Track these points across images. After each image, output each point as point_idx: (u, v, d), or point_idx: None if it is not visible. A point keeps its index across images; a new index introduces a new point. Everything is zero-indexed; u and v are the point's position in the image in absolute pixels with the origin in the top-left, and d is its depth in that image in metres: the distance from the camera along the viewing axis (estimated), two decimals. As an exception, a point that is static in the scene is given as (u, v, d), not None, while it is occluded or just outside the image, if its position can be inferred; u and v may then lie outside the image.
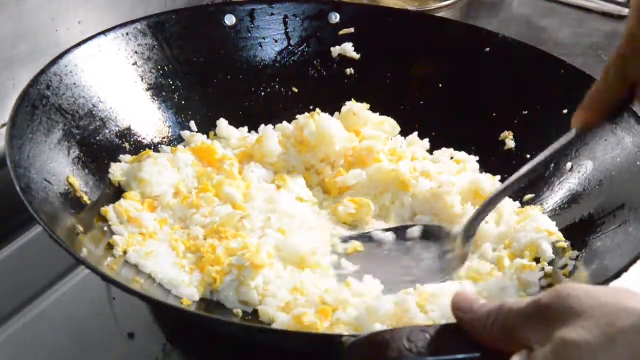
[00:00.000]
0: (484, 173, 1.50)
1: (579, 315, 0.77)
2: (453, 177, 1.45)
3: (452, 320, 0.90)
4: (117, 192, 1.37)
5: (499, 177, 1.47)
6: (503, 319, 0.83)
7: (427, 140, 1.56)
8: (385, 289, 1.24)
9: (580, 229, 1.31)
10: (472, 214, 1.33)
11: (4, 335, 1.29)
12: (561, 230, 1.34)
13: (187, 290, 1.22)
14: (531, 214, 1.38)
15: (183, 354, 1.27)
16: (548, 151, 1.25)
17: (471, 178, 1.46)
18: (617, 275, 1.08)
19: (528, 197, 1.45)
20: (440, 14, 2.00)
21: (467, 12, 2.12)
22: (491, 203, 1.31)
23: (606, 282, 1.08)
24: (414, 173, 1.45)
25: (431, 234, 1.37)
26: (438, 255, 1.33)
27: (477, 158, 1.53)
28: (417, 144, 1.56)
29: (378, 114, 1.57)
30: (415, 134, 1.57)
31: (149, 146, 1.47)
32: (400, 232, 1.39)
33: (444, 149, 1.56)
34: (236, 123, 1.57)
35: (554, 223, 1.36)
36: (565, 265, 1.26)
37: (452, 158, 1.54)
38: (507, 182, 1.29)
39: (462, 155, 1.54)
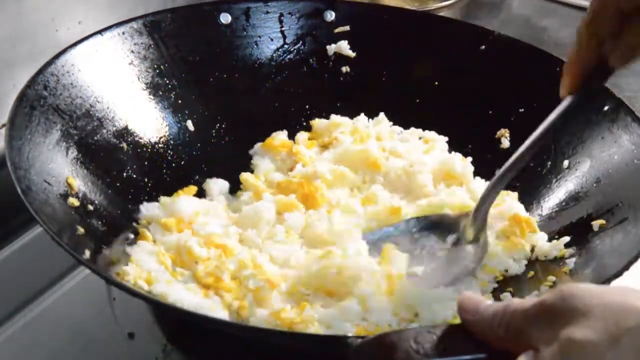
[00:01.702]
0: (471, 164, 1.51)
1: (584, 315, 0.78)
2: (424, 156, 1.48)
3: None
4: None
5: (470, 159, 1.50)
6: (508, 319, 0.84)
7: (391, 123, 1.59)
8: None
9: (579, 228, 1.32)
10: (478, 200, 1.32)
11: (4, 335, 1.29)
12: (560, 229, 1.35)
13: (218, 314, 1.20)
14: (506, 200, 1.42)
15: (183, 354, 1.27)
16: (546, 122, 1.27)
17: (441, 158, 1.48)
18: (618, 274, 1.08)
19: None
20: (439, 14, 2.00)
21: (466, 12, 2.12)
22: (497, 184, 1.31)
23: (607, 281, 1.08)
24: (383, 153, 1.48)
25: (437, 225, 1.37)
26: (450, 248, 1.34)
27: (447, 138, 1.55)
28: (383, 123, 1.58)
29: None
30: (382, 114, 1.59)
31: (146, 146, 1.47)
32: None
33: (412, 129, 1.58)
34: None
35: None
36: (566, 264, 1.27)
37: (420, 138, 1.56)
38: (512, 159, 1.30)
39: (431, 134, 1.56)
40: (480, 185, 1.46)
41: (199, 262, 1.27)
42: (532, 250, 1.35)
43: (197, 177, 1.50)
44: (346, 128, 1.56)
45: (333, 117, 1.59)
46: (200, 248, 1.29)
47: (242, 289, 1.23)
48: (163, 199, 1.40)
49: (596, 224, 1.29)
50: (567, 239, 1.31)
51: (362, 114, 1.60)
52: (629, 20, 1.15)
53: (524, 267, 1.33)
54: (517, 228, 1.36)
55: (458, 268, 1.30)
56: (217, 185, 1.49)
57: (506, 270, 1.32)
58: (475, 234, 1.31)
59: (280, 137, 1.56)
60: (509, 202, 1.42)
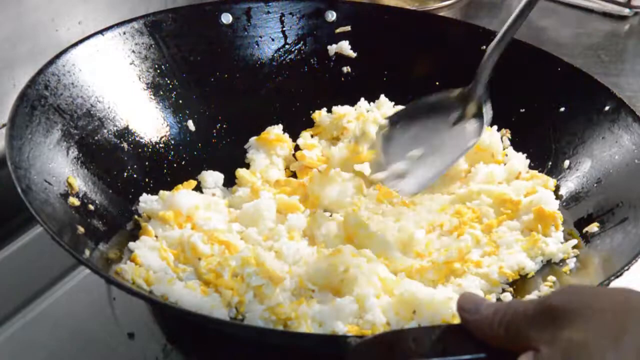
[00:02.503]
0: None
1: (584, 316, 0.78)
2: None
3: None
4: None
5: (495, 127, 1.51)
6: (509, 319, 0.84)
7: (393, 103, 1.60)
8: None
9: (579, 228, 1.32)
10: (477, 71, 1.38)
11: (4, 335, 1.29)
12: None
13: (217, 312, 1.20)
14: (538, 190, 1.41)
15: (183, 354, 1.27)
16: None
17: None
18: (618, 274, 1.08)
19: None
20: (440, 14, 1.99)
21: (466, 12, 2.12)
22: (495, 48, 1.35)
23: (607, 281, 1.08)
24: None
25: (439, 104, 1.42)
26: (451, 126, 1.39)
27: None
28: (386, 105, 1.59)
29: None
30: (382, 96, 1.60)
31: (147, 145, 1.47)
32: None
33: None
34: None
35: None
36: (566, 264, 1.27)
37: None
38: (509, 21, 1.34)
39: None
40: (516, 157, 1.48)
41: (202, 258, 1.28)
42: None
43: (197, 176, 1.50)
44: (351, 116, 1.57)
45: (335, 108, 1.59)
46: (204, 245, 1.29)
47: (243, 286, 1.23)
48: (162, 192, 1.40)
49: (591, 227, 1.29)
50: (574, 241, 1.31)
51: (362, 99, 1.61)
52: None
53: (539, 265, 1.31)
54: (540, 223, 1.35)
55: (459, 145, 1.32)
56: (212, 177, 1.50)
57: (522, 268, 1.31)
58: (478, 106, 1.34)
59: (275, 131, 1.56)
60: (540, 193, 1.40)
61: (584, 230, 1.32)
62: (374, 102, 1.61)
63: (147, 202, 1.39)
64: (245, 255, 1.25)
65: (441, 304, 1.17)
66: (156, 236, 1.34)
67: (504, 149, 1.52)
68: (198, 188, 1.48)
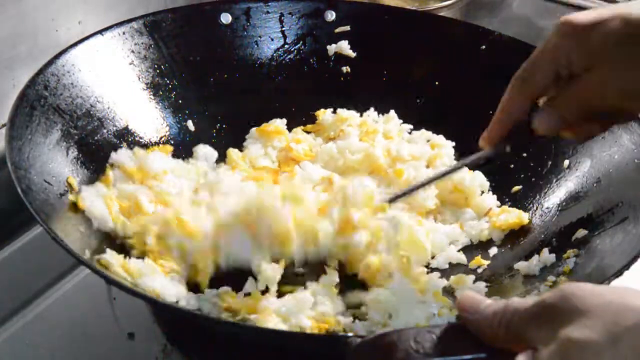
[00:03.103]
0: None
1: (583, 314, 0.77)
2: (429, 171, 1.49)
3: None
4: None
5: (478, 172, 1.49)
6: (508, 319, 0.83)
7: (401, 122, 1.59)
8: None
9: (579, 227, 1.32)
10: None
11: (4, 335, 1.29)
12: (561, 229, 1.35)
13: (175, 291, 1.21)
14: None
15: (183, 354, 1.27)
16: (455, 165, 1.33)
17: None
18: (618, 273, 1.08)
19: (516, 188, 1.48)
20: (440, 14, 1.99)
21: (466, 12, 2.12)
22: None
23: (607, 280, 1.08)
24: (386, 157, 1.48)
25: None
26: None
27: (453, 143, 1.54)
28: (393, 121, 1.58)
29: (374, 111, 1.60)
30: (392, 112, 1.59)
31: (146, 145, 1.47)
32: None
33: (422, 130, 1.58)
34: (236, 123, 1.58)
35: None
36: (566, 264, 1.27)
37: (428, 141, 1.56)
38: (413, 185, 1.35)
39: (439, 139, 1.55)
40: (490, 202, 1.46)
41: (143, 214, 1.28)
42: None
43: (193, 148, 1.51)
44: (354, 121, 1.57)
45: (340, 111, 1.59)
46: (149, 203, 1.30)
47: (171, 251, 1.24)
48: (137, 149, 1.40)
49: (580, 233, 1.30)
50: (574, 251, 1.30)
51: (372, 109, 1.60)
52: (563, 86, 1.12)
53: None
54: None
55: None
56: (204, 151, 1.49)
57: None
58: None
59: (276, 123, 1.56)
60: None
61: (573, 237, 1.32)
62: (381, 113, 1.61)
63: (120, 155, 1.38)
64: (166, 216, 1.25)
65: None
66: (114, 186, 1.34)
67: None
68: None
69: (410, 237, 1.31)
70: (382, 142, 1.52)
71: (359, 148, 1.49)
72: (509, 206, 1.44)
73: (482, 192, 1.49)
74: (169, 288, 1.19)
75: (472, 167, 1.35)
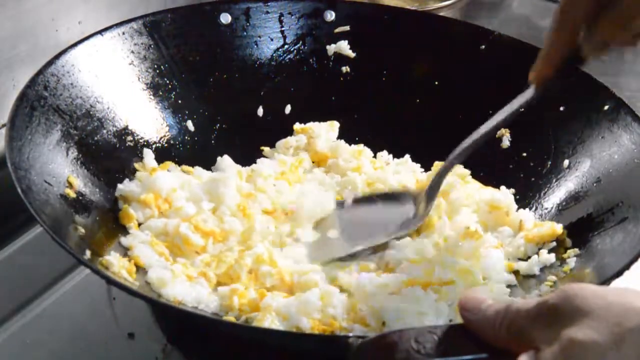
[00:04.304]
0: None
1: (586, 315, 0.78)
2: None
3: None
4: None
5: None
6: (510, 319, 0.84)
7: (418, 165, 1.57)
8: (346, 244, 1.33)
9: (579, 227, 1.32)
10: (432, 179, 1.36)
11: (4, 335, 1.29)
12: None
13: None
14: None
15: (183, 354, 1.27)
16: (507, 108, 1.31)
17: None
18: (618, 273, 1.08)
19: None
20: (440, 14, 1.99)
21: (466, 12, 2.12)
22: (452, 163, 1.35)
23: (607, 280, 1.08)
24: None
25: (396, 198, 1.42)
26: (400, 215, 1.38)
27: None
28: (407, 166, 1.56)
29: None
30: (407, 155, 1.58)
31: (146, 145, 1.47)
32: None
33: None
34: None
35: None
36: (566, 264, 1.27)
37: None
38: (469, 140, 1.34)
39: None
40: (525, 216, 1.42)
41: (198, 252, 1.30)
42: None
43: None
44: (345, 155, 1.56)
45: (339, 143, 1.57)
46: (193, 234, 1.30)
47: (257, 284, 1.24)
48: (139, 174, 1.41)
49: (580, 233, 1.31)
50: (575, 251, 1.30)
51: (385, 151, 1.59)
52: (604, 10, 1.14)
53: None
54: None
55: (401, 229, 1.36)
56: (227, 163, 1.51)
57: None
58: (424, 208, 1.36)
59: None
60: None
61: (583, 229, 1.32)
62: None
63: (126, 185, 1.38)
64: (259, 253, 1.26)
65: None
66: (138, 223, 1.34)
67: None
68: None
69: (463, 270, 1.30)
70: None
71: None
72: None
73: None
74: (190, 293, 1.21)
75: (528, 104, 1.33)
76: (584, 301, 0.79)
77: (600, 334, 0.76)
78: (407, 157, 1.57)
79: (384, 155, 1.59)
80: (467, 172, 1.50)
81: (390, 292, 1.22)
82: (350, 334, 1.12)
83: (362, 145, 1.58)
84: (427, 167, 1.53)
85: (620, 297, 0.78)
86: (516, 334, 0.83)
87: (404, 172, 1.52)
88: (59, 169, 1.27)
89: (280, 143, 1.57)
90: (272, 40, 1.66)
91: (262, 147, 1.58)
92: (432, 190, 1.36)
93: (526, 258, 1.35)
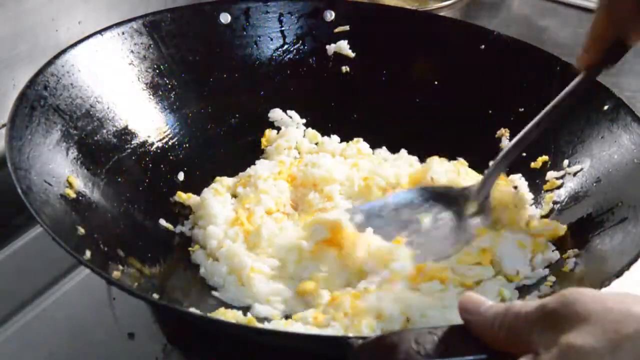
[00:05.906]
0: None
1: (585, 321, 0.78)
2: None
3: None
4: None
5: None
6: (509, 321, 0.84)
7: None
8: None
9: (579, 227, 1.32)
10: (483, 177, 1.38)
11: (4, 335, 1.29)
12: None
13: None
14: None
15: (183, 354, 1.27)
16: (560, 97, 1.31)
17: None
18: (618, 274, 1.08)
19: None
20: (440, 14, 1.99)
21: (466, 12, 2.12)
22: (503, 160, 1.36)
23: (607, 281, 1.08)
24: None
25: (443, 196, 1.41)
26: (454, 217, 1.38)
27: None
28: (404, 159, 1.56)
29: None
30: (404, 150, 1.58)
31: (145, 145, 1.47)
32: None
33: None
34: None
35: None
36: (566, 264, 1.27)
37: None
38: (519, 135, 1.34)
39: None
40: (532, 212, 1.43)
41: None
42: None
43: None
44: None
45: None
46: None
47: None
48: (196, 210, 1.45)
49: (580, 233, 1.30)
50: (575, 251, 1.30)
51: (384, 147, 1.60)
52: None
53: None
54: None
55: (458, 238, 1.34)
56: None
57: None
58: (478, 207, 1.35)
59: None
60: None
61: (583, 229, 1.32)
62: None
63: (186, 229, 1.43)
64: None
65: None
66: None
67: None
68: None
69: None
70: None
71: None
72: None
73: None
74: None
75: (574, 94, 1.33)
76: (583, 306, 0.79)
77: (598, 340, 0.75)
78: (403, 151, 1.58)
79: (382, 152, 1.59)
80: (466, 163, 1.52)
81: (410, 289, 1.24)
82: (350, 335, 1.11)
83: (360, 139, 1.60)
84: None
85: (620, 303, 0.78)
86: (515, 337, 0.83)
87: (402, 166, 1.53)
88: (59, 169, 1.26)
89: (272, 148, 1.58)
90: (271, 40, 1.66)
91: (263, 147, 1.58)
92: (485, 189, 1.36)
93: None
